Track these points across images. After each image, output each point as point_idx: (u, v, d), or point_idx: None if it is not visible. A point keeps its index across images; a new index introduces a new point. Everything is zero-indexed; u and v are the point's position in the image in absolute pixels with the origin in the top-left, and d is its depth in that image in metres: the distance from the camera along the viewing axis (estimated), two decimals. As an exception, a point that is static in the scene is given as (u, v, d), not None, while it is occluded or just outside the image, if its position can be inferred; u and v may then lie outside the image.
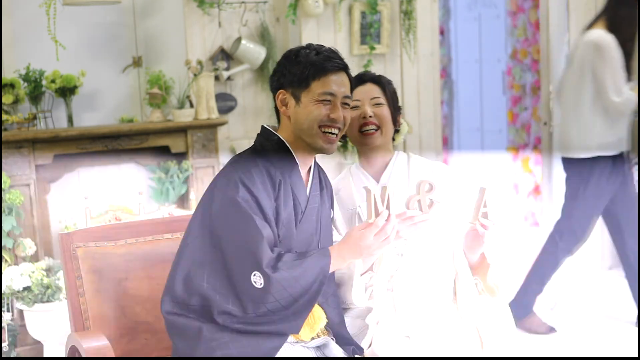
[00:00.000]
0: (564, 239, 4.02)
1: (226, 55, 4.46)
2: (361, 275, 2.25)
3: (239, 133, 4.58)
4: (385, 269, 2.29)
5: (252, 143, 2.25)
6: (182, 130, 4.23)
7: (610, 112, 3.83)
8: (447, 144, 7.46)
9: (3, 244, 3.78)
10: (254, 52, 4.43)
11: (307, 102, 2.14)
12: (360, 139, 2.36)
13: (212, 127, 4.28)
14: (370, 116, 2.34)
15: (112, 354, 2.16)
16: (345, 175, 2.46)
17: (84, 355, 2.17)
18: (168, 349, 2.29)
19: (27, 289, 3.68)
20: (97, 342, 2.18)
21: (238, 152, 2.31)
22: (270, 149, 2.17)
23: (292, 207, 2.15)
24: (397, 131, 2.45)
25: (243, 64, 4.48)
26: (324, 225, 2.26)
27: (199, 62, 4.28)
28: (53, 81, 4.09)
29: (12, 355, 3.84)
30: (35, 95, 4.07)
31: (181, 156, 4.29)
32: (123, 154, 4.26)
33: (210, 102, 4.27)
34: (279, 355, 2.10)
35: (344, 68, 2.19)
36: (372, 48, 4.58)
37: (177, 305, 2.15)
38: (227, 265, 2.08)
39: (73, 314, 2.35)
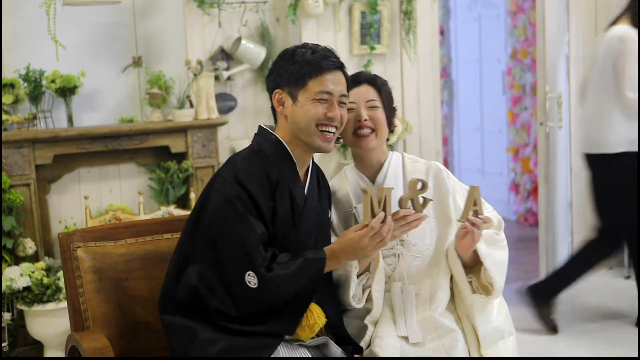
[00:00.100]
0: (604, 235, 4.01)
1: (226, 55, 4.46)
2: (358, 276, 2.25)
3: (239, 133, 4.58)
4: (382, 269, 2.29)
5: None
6: (182, 130, 4.23)
7: (627, 107, 3.83)
8: (447, 144, 7.46)
9: (3, 244, 3.78)
10: (254, 52, 4.42)
11: (304, 101, 2.14)
12: (354, 141, 2.35)
13: (212, 127, 4.28)
14: (365, 120, 2.32)
15: (112, 354, 2.16)
16: (340, 176, 2.45)
17: (84, 355, 2.17)
18: (168, 349, 2.29)
19: (27, 289, 3.68)
20: (97, 342, 2.18)
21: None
22: (267, 149, 2.17)
23: (290, 207, 2.14)
24: (391, 131, 2.44)
25: (243, 64, 4.48)
26: (322, 225, 2.25)
27: (199, 62, 4.28)
28: (53, 81, 4.09)
29: (12, 355, 3.85)
30: (35, 95, 4.08)
31: (181, 156, 4.29)
32: (123, 154, 4.26)
33: (210, 102, 4.27)
34: (279, 355, 2.10)
35: (340, 67, 2.19)
36: (372, 48, 4.58)
37: (173, 304, 2.15)
38: (222, 265, 2.08)
39: (73, 314, 2.35)
